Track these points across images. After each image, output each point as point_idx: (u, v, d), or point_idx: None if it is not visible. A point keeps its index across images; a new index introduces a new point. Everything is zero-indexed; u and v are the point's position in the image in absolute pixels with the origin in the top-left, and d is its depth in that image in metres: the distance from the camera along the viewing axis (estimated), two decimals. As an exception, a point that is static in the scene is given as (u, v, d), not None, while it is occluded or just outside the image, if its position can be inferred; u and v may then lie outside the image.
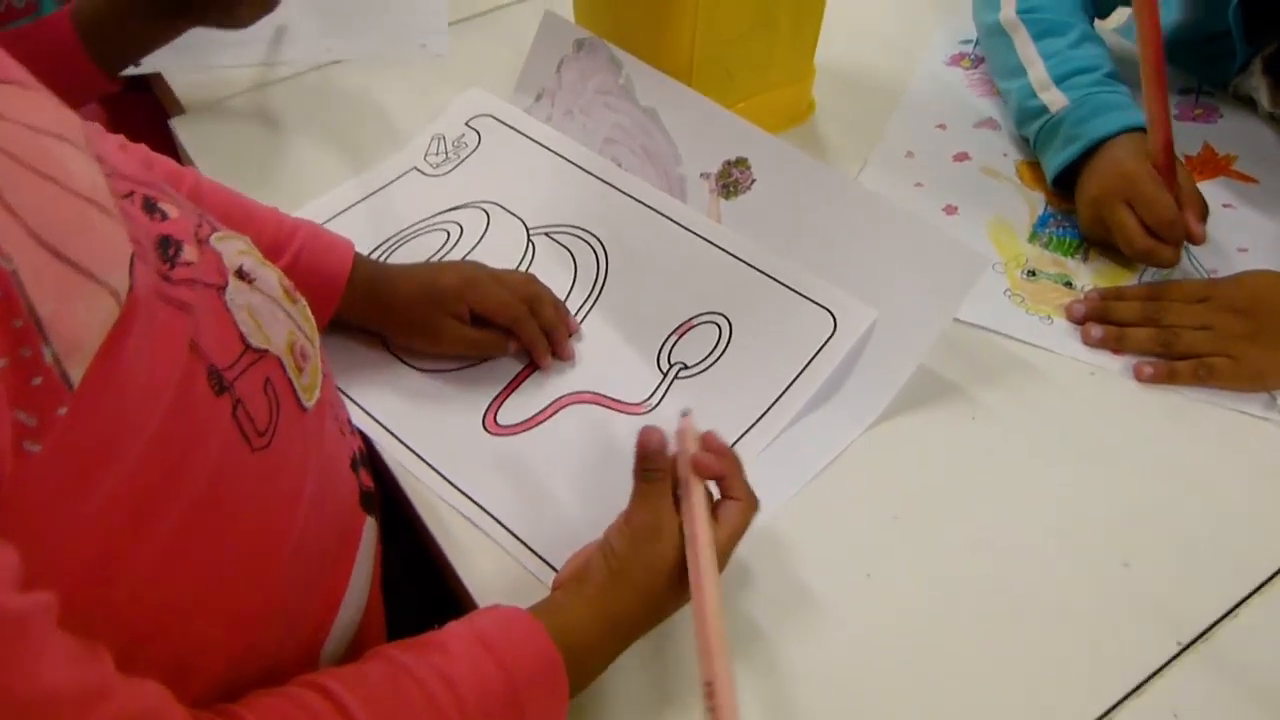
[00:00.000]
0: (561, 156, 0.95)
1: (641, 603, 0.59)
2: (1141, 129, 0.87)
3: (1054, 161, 0.91)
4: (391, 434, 0.77)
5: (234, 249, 0.59)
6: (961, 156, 0.98)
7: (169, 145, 1.02)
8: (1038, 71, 0.95)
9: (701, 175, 0.89)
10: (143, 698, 0.44)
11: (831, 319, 0.79)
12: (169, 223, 0.54)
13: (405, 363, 0.82)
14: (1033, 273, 0.87)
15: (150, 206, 0.54)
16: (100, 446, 0.44)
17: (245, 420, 0.53)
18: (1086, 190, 0.88)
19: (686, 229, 0.87)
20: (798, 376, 0.77)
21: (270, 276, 0.61)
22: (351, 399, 0.79)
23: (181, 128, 1.02)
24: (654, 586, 0.59)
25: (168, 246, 0.52)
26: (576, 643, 0.57)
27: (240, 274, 0.58)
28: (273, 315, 0.59)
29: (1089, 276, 0.87)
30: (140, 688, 0.44)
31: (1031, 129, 0.95)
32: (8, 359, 0.39)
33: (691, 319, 0.82)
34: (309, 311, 0.65)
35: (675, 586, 0.59)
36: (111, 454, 0.45)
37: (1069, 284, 0.87)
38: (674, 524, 0.60)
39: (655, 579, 0.59)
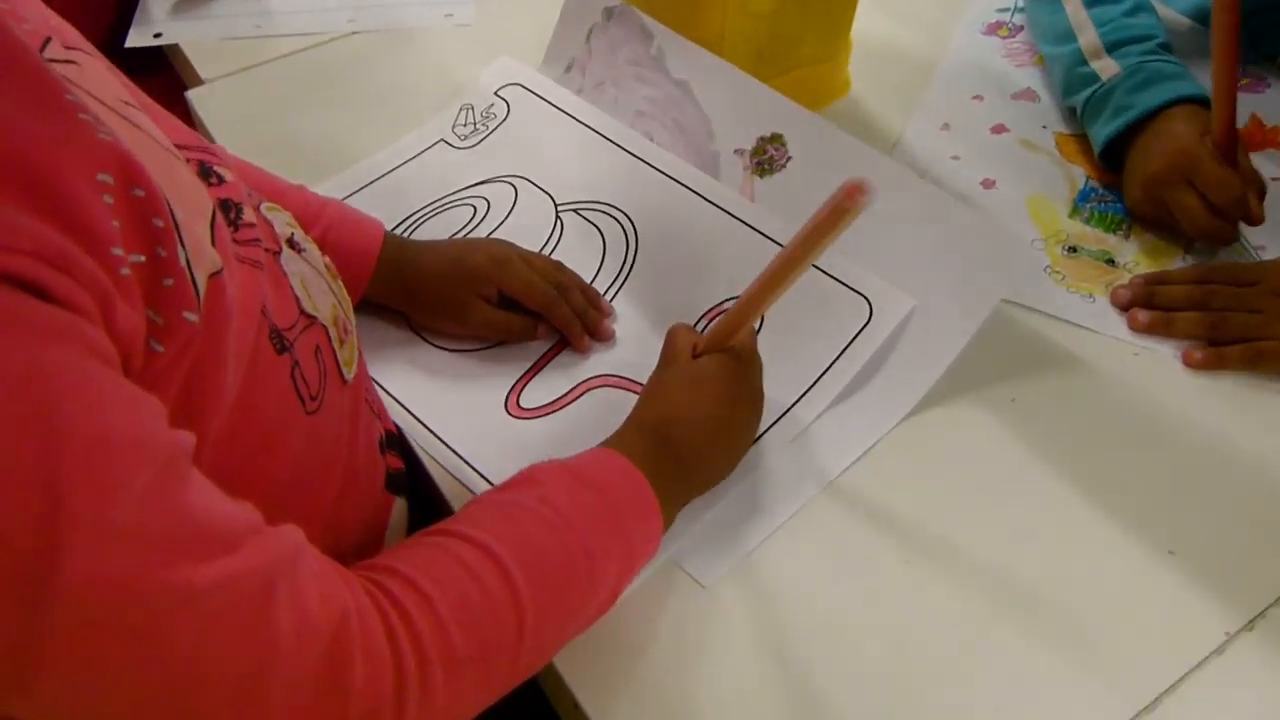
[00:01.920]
0: (592, 129, 0.92)
1: (672, 410, 0.64)
2: (1195, 100, 0.83)
3: (1102, 132, 0.87)
4: (413, 415, 0.76)
5: (282, 220, 0.60)
6: (999, 129, 0.95)
7: (185, 119, 1.00)
8: (1089, 38, 0.91)
9: (735, 151, 0.86)
10: (293, 533, 0.46)
11: (868, 306, 0.76)
12: (226, 186, 0.55)
13: (427, 340, 0.80)
14: (1074, 249, 0.84)
15: (206, 171, 0.54)
16: (208, 393, 0.46)
17: (301, 382, 0.55)
18: (1140, 167, 0.84)
19: (719, 207, 0.84)
20: (831, 364, 0.75)
21: (314, 250, 0.62)
22: (373, 378, 0.78)
23: (199, 100, 1.00)
24: (681, 399, 0.65)
25: (229, 209, 0.53)
26: (640, 459, 0.61)
27: (291, 243, 0.59)
28: (319, 286, 0.60)
29: (1132, 253, 0.84)
30: (290, 529, 0.46)
31: (1079, 98, 0.91)
32: (145, 255, 0.41)
33: (722, 302, 0.79)
34: (345, 290, 0.66)
35: (693, 389, 0.65)
36: (212, 403, 0.46)
37: (1111, 261, 0.83)
38: (685, 345, 0.67)
39: (679, 392, 0.65)
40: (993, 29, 1.06)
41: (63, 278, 0.37)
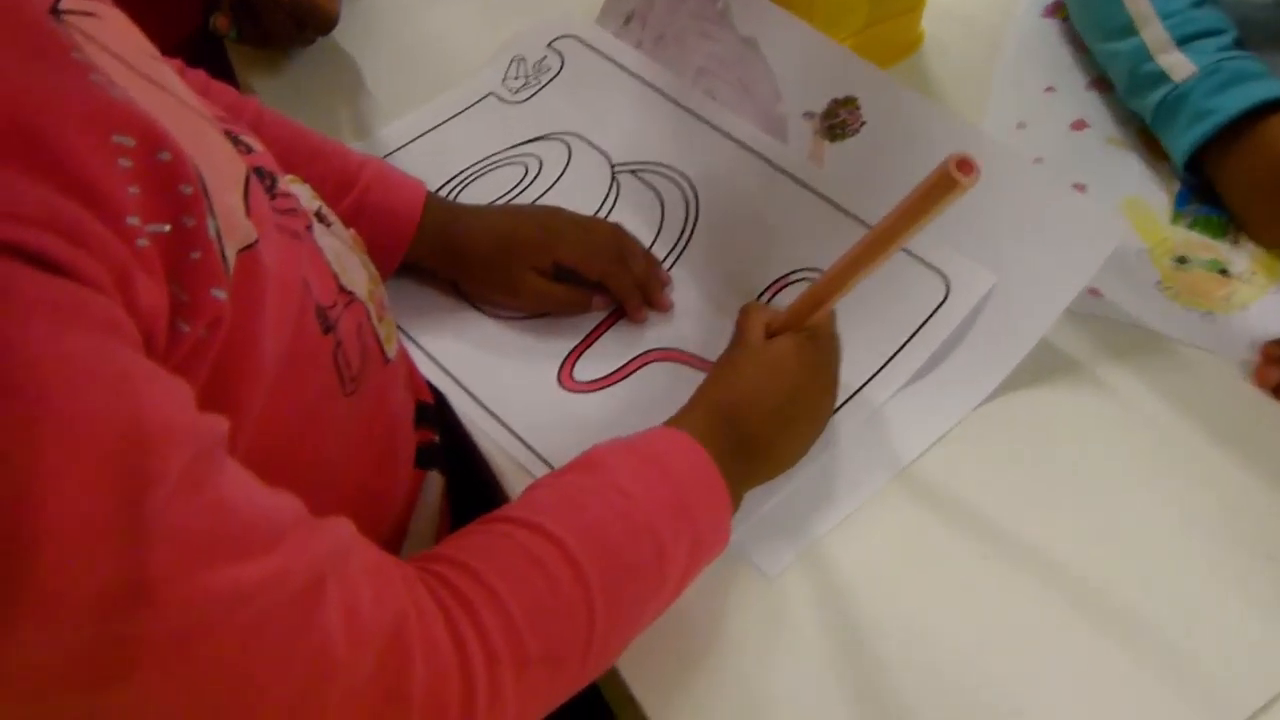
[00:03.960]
0: (651, 86, 0.87)
1: (742, 393, 0.60)
2: None
3: (1182, 142, 0.79)
4: (460, 384, 0.73)
5: (306, 193, 0.56)
6: (1079, 125, 0.87)
7: (226, 70, 0.96)
8: (1154, 31, 0.81)
9: (805, 114, 0.81)
10: (342, 525, 0.43)
11: (944, 283, 0.72)
12: (255, 155, 0.52)
13: (476, 308, 0.76)
14: (1183, 260, 0.77)
15: (234, 140, 0.50)
16: (245, 371, 0.42)
17: (343, 363, 0.52)
18: (1237, 180, 0.77)
19: (786, 173, 0.80)
20: (904, 345, 0.70)
21: (340, 225, 0.59)
22: (418, 344, 0.74)
23: (238, 52, 0.95)
24: (753, 381, 0.61)
25: (263, 176, 0.50)
26: (709, 443, 0.57)
27: (319, 216, 0.56)
28: (351, 261, 0.57)
29: (1245, 261, 0.76)
30: (339, 521, 0.43)
31: (1148, 101, 0.81)
32: (170, 225, 0.37)
33: (788, 274, 0.75)
34: (374, 266, 0.62)
35: (767, 371, 0.61)
36: (250, 383, 0.43)
37: (1224, 271, 0.76)
38: (759, 323, 0.63)
39: (751, 372, 0.61)
40: (1051, 10, 0.97)
41: (75, 250, 0.33)
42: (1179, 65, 0.79)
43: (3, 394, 0.30)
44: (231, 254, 0.40)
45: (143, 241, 0.36)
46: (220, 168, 0.42)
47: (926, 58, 0.93)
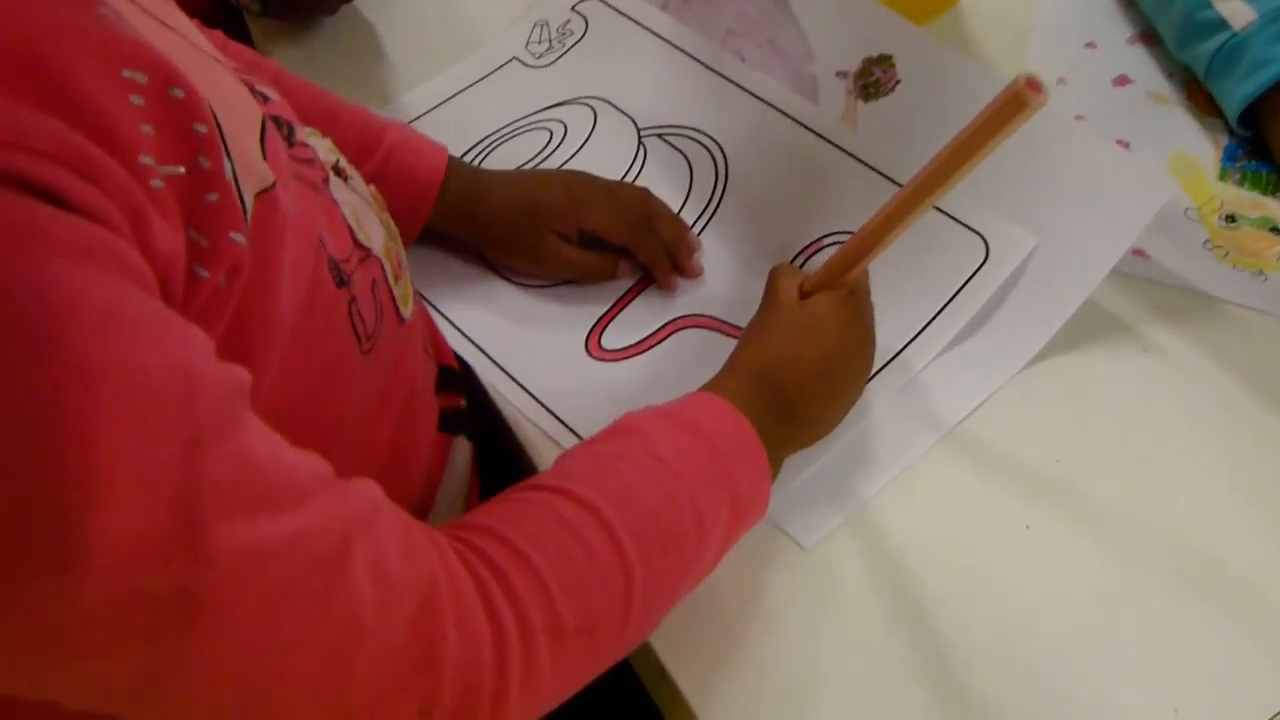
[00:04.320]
0: (678, 48, 0.85)
1: (779, 355, 0.58)
2: None
3: (1238, 92, 0.76)
4: (485, 354, 0.71)
5: (324, 146, 0.54)
6: (1122, 80, 0.84)
7: (244, 36, 0.94)
8: None
9: (837, 74, 0.79)
10: (370, 487, 0.41)
11: (984, 245, 0.70)
12: (273, 104, 0.50)
13: (501, 275, 0.75)
14: (1232, 218, 0.74)
15: (249, 89, 0.48)
16: (263, 322, 0.41)
17: (358, 319, 0.50)
18: None
19: (818, 135, 0.78)
20: (943, 308, 0.68)
21: (360, 179, 0.58)
22: (442, 313, 0.73)
23: (257, 22, 0.93)
24: (789, 342, 0.59)
25: (281, 125, 0.49)
26: (746, 407, 0.55)
27: (337, 169, 0.55)
28: (369, 218, 0.56)
29: None
30: (366, 483, 0.41)
31: (1203, 49, 0.78)
32: (185, 167, 0.36)
33: (821, 238, 0.73)
34: (394, 225, 0.61)
35: (803, 332, 0.59)
36: (268, 334, 0.41)
37: (1275, 229, 0.73)
38: (791, 285, 0.61)
39: (786, 333, 0.59)
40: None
41: (85, 185, 0.31)
42: (1239, 12, 0.76)
43: (37, 338, 0.29)
44: (250, 197, 0.39)
45: (157, 183, 0.34)
46: (236, 110, 0.41)
47: (963, 13, 0.90)
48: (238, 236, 0.38)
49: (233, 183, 0.37)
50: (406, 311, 0.58)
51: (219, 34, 0.65)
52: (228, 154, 0.37)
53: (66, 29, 0.33)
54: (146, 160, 0.34)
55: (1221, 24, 0.77)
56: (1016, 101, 0.47)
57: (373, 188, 0.61)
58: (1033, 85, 0.47)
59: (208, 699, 0.35)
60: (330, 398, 0.49)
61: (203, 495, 0.32)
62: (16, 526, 0.29)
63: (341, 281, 0.49)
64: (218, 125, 0.37)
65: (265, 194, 0.40)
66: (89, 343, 0.30)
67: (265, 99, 0.50)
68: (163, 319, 0.33)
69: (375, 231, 0.56)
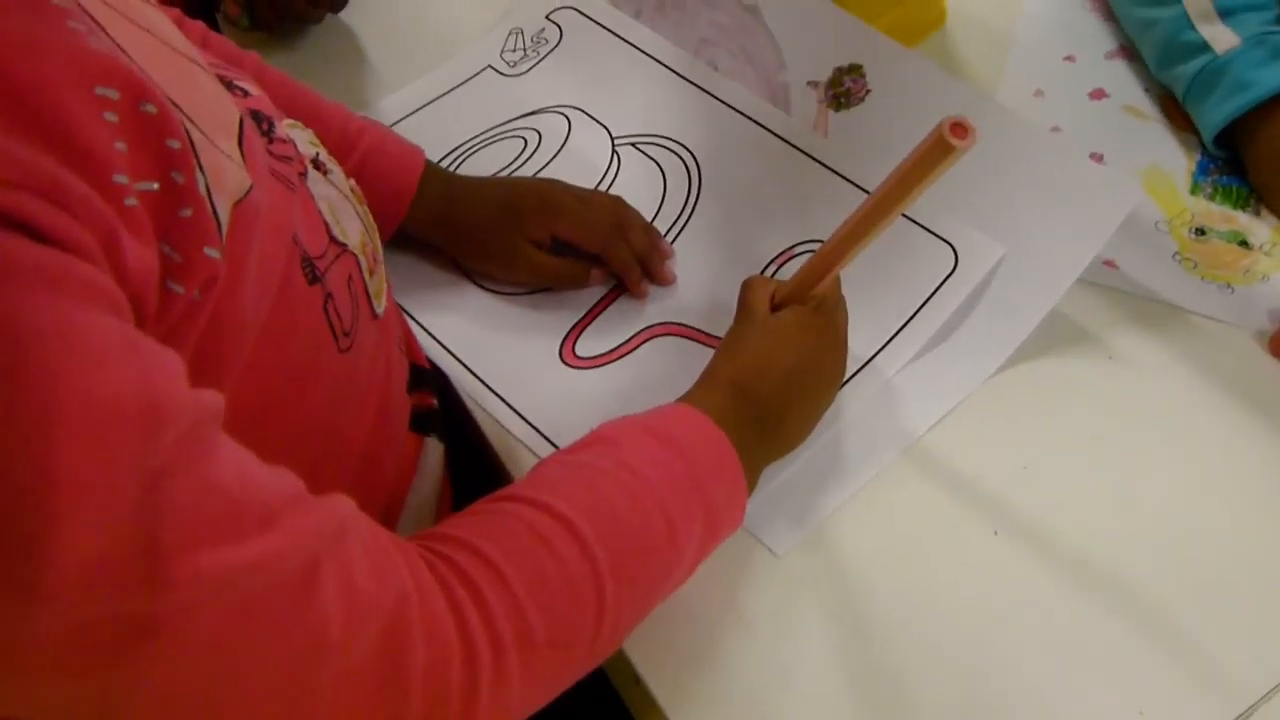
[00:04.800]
0: (651, 58, 0.86)
1: (753, 367, 0.59)
2: None
3: (1216, 114, 0.76)
4: (459, 360, 0.71)
5: (305, 138, 0.54)
6: (1098, 94, 0.85)
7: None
8: (1197, 0, 0.79)
9: (809, 83, 0.79)
10: (341, 504, 0.41)
11: (953, 254, 0.70)
12: (253, 99, 0.50)
13: (474, 282, 0.75)
14: (1201, 231, 0.75)
15: (229, 85, 0.49)
16: (230, 325, 0.41)
17: (334, 316, 0.50)
18: (1269, 160, 0.75)
19: (790, 144, 0.78)
20: (912, 317, 0.69)
21: (340, 173, 0.58)
22: (415, 319, 0.73)
23: (228, 24, 0.93)
24: (761, 354, 0.59)
25: (260, 120, 0.48)
26: (721, 419, 0.55)
27: (316, 163, 0.54)
28: (346, 212, 0.55)
29: (1267, 233, 0.74)
30: (338, 499, 0.41)
31: (1183, 71, 0.79)
32: (159, 183, 0.36)
33: (793, 247, 0.74)
34: (372, 218, 0.61)
35: (774, 344, 0.59)
36: (235, 338, 0.41)
37: (1245, 243, 0.74)
38: (763, 296, 0.61)
39: (759, 346, 0.59)
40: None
41: (58, 213, 0.31)
42: (1221, 36, 0.77)
43: (10, 370, 0.29)
44: (225, 210, 0.39)
45: (131, 200, 0.34)
46: (211, 113, 0.41)
47: (950, 32, 0.90)
48: (212, 251, 0.38)
49: (206, 197, 0.37)
50: (380, 306, 0.58)
51: (199, 25, 0.65)
52: (200, 169, 0.37)
53: (38, 47, 0.33)
54: (120, 179, 0.34)
55: (1204, 47, 0.78)
56: (942, 146, 0.47)
57: (352, 181, 0.60)
58: (956, 130, 0.47)
59: (170, 719, 0.35)
60: (303, 397, 0.49)
61: (165, 524, 0.32)
62: None
63: (315, 279, 0.48)
64: (190, 139, 0.37)
65: (241, 203, 0.40)
66: (54, 373, 0.30)
67: (245, 93, 0.50)
68: (130, 347, 0.33)
69: (352, 226, 0.56)
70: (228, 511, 0.35)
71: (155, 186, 0.35)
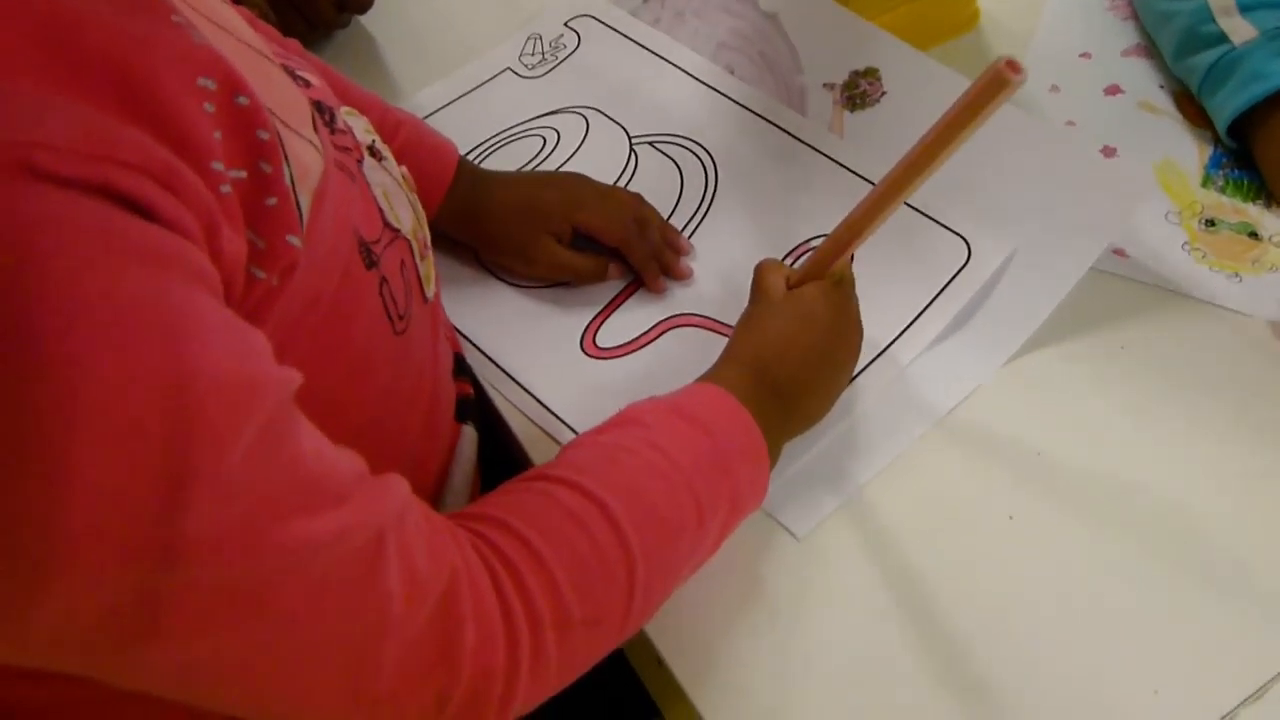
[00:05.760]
0: (669, 62, 0.87)
1: (771, 344, 0.60)
2: None
3: (1230, 104, 0.78)
4: (480, 350, 0.72)
5: (361, 126, 0.56)
6: (1113, 90, 0.87)
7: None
8: None
9: (824, 85, 0.81)
10: (400, 484, 0.42)
11: (966, 247, 0.72)
12: (315, 89, 0.51)
13: (497, 276, 0.76)
14: (1211, 222, 0.77)
15: (291, 75, 0.50)
16: (301, 310, 0.42)
17: (390, 300, 0.52)
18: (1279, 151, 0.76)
19: (804, 143, 0.80)
20: (926, 308, 0.70)
21: (392, 159, 0.59)
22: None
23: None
24: (780, 331, 0.60)
25: (322, 110, 0.50)
26: (744, 397, 0.56)
27: (372, 150, 0.56)
28: (399, 198, 0.57)
29: (1277, 224, 0.76)
30: (396, 479, 0.42)
31: (1200, 61, 0.80)
32: (247, 171, 0.37)
33: (808, 240, 0.75)
34: (421, 207, 0.62)
35: (794, 320, 0.60)
36: (305, 322, 0.43)
37: (1254, 234, 0.76)
38: (777, 278, 0.62)
39: (778, 323, 0.60)
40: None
41: (168, 196, 0.32)
42: (1240, 28, 0.78)
43: (135, 340, 0.30)
44: (306, 199, 0.40)
45: (225, 188, 0.35)
46: (290, 107, 0.42)
47: (984, 35, 0.91)
48: (293, 239, 0.39)
49: (290, 187, 0.39)
50: (430, 291, 0.59)
51: (245, 13, 0.66)
52: (286, 159, 0.39)
53: (147, 41, 0.35)
54: (218, 166, 0.35)
55: (1222, 38, 0.79)
56: (998, 81, 0.49)
57: (404, 168, 0.62)
58: (1012, 66, 0.48)
59: (246, 684, 0.37)
60: (363, 380, 0.50)
61: (259, 495, 0.34)
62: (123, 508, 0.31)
63: (371, 263, 0.50)
64: (277, 131, 0.39)
65: (317, 191, 0.42)
66: (180, 348, 0.31)
67: (307, 84, 0.51)
68: (231, 326, 0.35)
69: (405, 212, 0.57)
70: (310, 485, 0.36)
71: (244, 175, 0.37)
